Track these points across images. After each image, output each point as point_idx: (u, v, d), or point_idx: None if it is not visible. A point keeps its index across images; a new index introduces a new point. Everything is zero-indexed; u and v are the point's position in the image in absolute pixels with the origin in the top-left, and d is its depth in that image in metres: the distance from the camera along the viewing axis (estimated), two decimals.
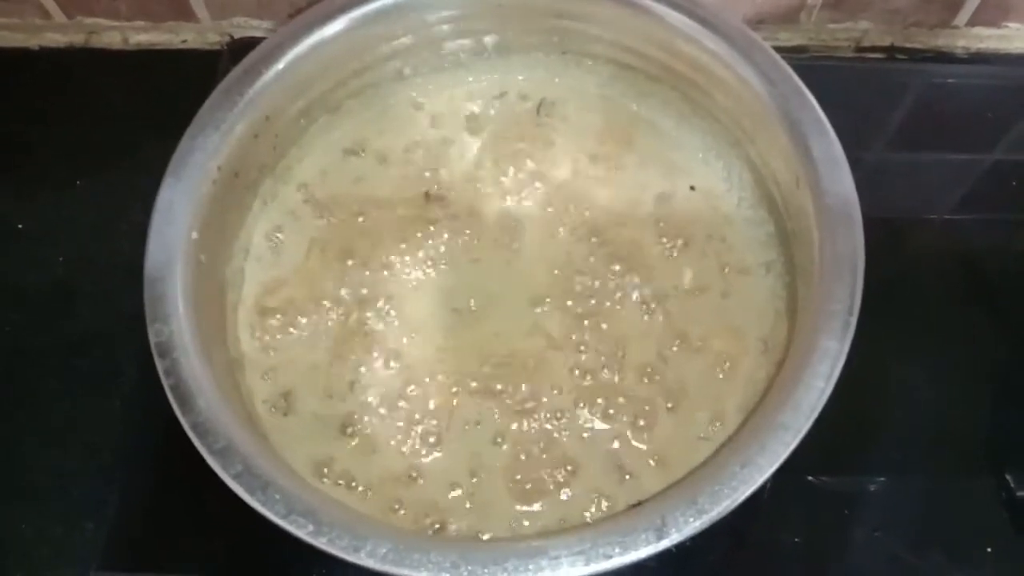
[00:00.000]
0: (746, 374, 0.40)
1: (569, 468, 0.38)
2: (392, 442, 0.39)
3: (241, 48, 0.54)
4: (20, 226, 0.49)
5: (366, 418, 0.40)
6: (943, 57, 0.57)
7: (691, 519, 0.31)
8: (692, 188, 0.45)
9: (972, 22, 0.56)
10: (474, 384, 0.40)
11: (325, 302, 0.42)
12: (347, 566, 0.31)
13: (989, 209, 0.52)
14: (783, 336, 0.38)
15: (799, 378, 0.33)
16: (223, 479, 0.32)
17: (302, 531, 0.31)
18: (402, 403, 0.40)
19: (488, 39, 0.47)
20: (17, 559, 0.41)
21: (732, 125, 0.43)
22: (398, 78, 0.47)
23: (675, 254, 0.43)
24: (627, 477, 0.38)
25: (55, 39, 0.55)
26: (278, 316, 0.42)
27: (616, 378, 0.40)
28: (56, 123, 0.52)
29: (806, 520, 0.42)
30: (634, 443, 0.39)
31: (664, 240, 0.44)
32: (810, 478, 0.42)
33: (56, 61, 0.55)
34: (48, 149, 0.52)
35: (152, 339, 0.35)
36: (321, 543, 0.31)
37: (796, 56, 0.56)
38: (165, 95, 0.52)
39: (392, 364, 0.41)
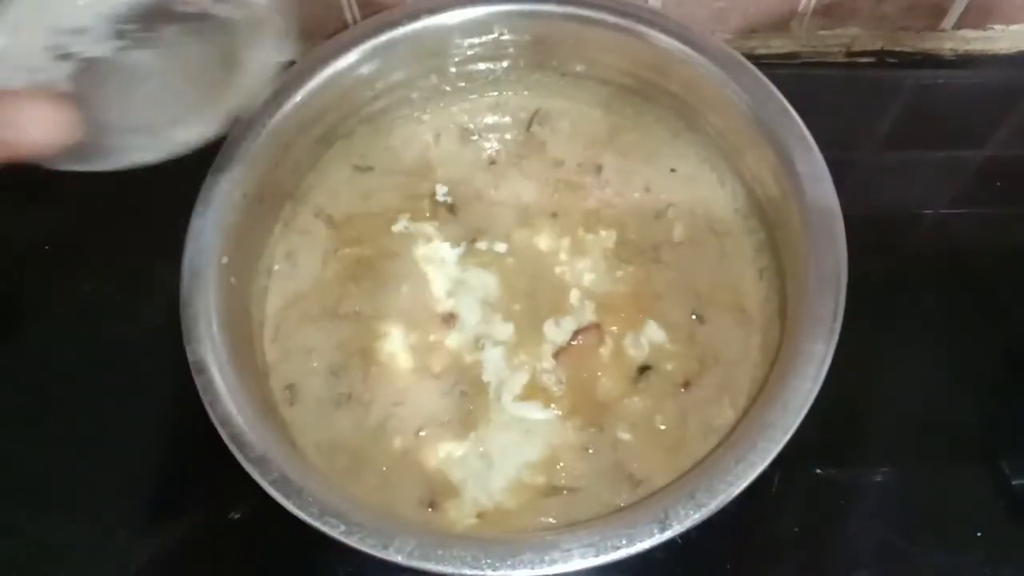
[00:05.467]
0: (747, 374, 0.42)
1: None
2: (399, 437, 0.42)
3: None
4: (47, 247, 0.51)
5: (374, 409, 0.42)
6: (931, 60, 0.58)
7: (691, 512, 0.33)
8: (687, 200, 0.47)
9: (958, 25, 0.57)
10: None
11: (340, 308, 0.45)
12: (374, 563, 0.33)
13: (978, 205, 0.53)
14: (775, 338, 0.40)
15: (788, 380, 0.35)
16: (261, 485, 0.34)
17: (335, 531, 0.33)
18: (409, 397, 0.43)
19: (493, 65, 0.49)
20: (51, 568, 0.43)
21: (722, 141, 0.45)
22: (406, 102, 0.50)
23: (672, 260, 0.45)
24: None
25: None
26: (296, 324, 0.44)
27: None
28: None
29: (805, 509, 0.43)
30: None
31: (661, 246, 0.46)
32: (818, 471, 0.44)
33: None
34: (69, 172, 0.53)
35: (190, 358, 0.37)
36: (352, 541, 0.33)
37: (788, 62, 0.57)
38: None
39: (403, 360, 0.44)
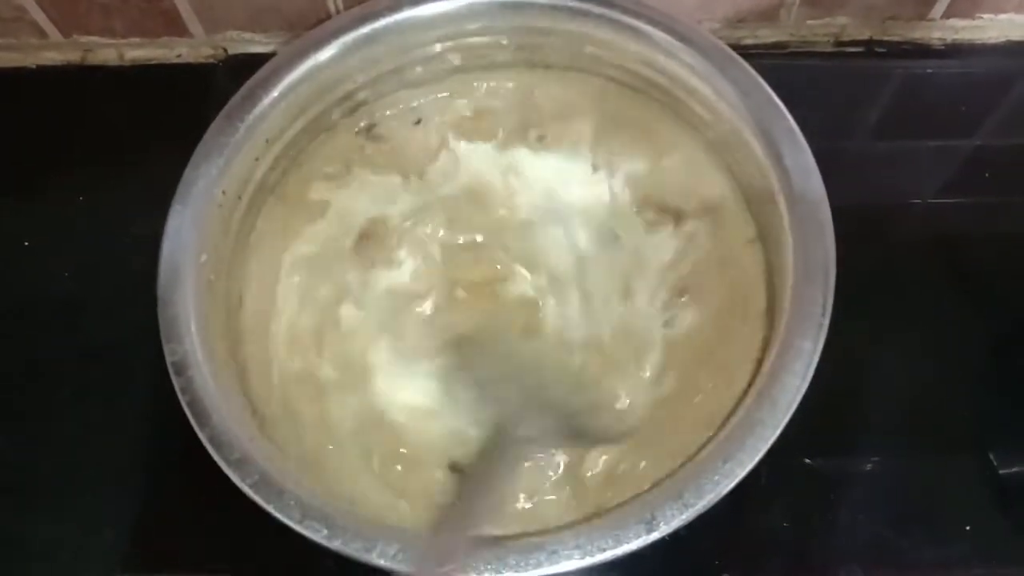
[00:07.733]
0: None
1: None
2: None
3: (235, 61, 0.55)
4: (26, 243, 0.50)
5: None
6: (920, 49, 0.58)
7: (678, 512, 0.33)
8: (677, 193, 0.46)
9: (947, 14, 0.56)
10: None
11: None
12: (357, 566, 0.33)
13: (967, 195, 0.53)
14: (764, 334, 0.40)
15: (776, 377, 0.34)
16: (241, 488, 0.34)
17: (317, 535, 0.33)
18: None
19: (477, 58, 0.48)
20: (37, 565, 0.42)
21: (711, 135, 0.45)
22: (389, 94, 0.49)
23: (662, 257, 0.45)
24: None
25: (52, 58, 0.56)
26: (281, 323, 0.44)
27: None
28: (56, 140, 0.53)
29: (794, 502, 0.43)
30: None
31: (652, 242, 0.45)
32: (807, 463, 0.43)
33: (54, 79, 0.56)
34: (49, 166, 0.52)
35: (168, 358, 0.36)
36: (335, 545, 0.33)
37: (776, 52, 0.57)
38: (162, 109, 0.53)
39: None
